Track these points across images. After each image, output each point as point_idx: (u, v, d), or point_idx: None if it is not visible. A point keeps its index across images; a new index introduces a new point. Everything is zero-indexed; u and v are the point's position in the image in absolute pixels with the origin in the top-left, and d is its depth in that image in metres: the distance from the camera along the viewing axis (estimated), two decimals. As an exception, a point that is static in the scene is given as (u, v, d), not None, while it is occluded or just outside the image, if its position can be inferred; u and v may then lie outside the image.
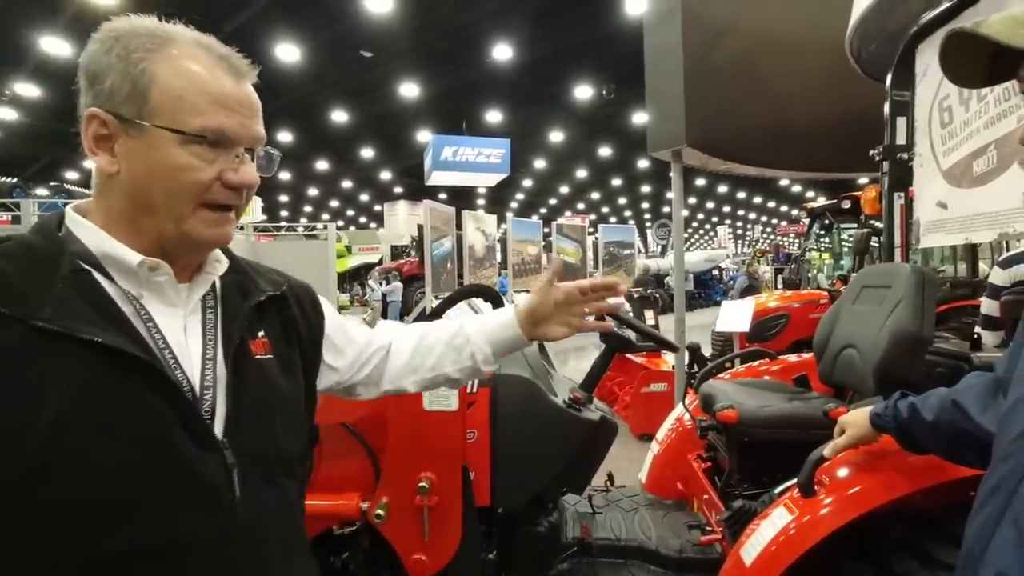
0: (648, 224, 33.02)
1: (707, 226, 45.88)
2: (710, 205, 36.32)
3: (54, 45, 10.69)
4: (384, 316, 13.62)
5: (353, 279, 21.91)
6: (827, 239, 8.01)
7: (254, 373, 0.75)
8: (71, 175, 20.48)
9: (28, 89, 12.80)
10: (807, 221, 7.72)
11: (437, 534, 1.46)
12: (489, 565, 1.63)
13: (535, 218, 18.03)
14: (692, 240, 51.11)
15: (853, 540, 1.33)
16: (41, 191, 10.20)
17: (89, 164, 0.70)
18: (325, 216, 32.81)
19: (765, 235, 41.65)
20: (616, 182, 27.23)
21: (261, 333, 0.79)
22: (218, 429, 0.69)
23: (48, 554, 0.59)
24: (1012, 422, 0.70)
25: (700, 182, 26.24)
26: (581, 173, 24.62)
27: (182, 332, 0.71)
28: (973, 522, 0.72)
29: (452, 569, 1.48)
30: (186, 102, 0.66)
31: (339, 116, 15.79)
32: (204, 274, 0.76)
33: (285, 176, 22.82)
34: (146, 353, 0.64)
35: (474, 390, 1.57)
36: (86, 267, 0.65)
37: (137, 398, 0.63)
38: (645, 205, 35.48)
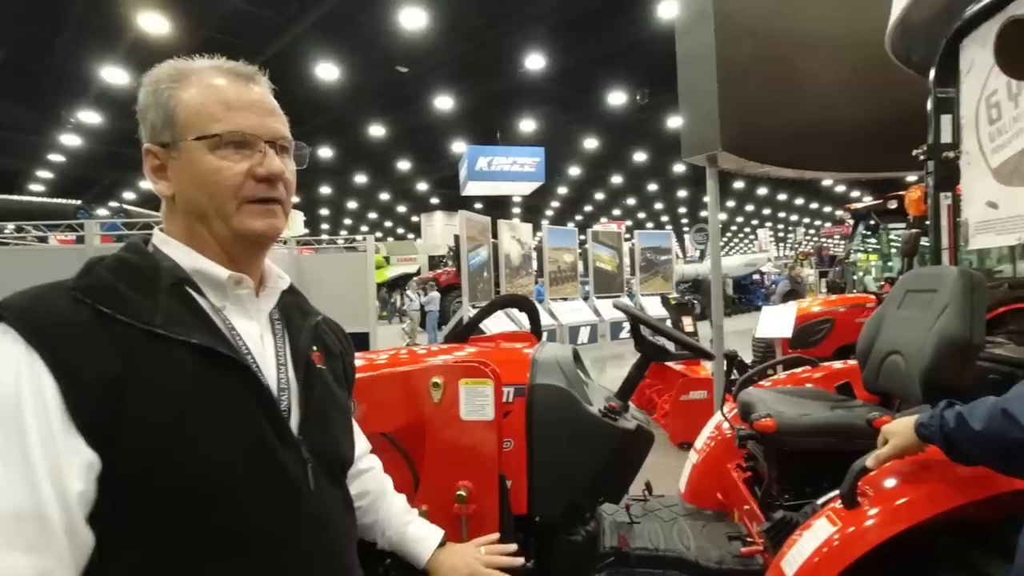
0: (686, 229, 32.48)
1: (746, 229, 44.79)
2: (749, 208, 35.46)
3: (113, 75, 11.37)
4: (422, 326, 13.81)
5: (392, 289, 22.34)
6: (874, 240, 7.73)
7: (318, 382, 0.84)
8: (128, 195, 21.63)
9: (90, 116, 13.64)
10: (852, 222, 7.48)
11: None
12: (527, 574, 1.64)
13: (570, 225, 18.03)
14: (731, 244, 49.96)
15: (898, 553, 1.29)
16: (102, 211, 10.81)
17: (148, 185, 0.79)
18: (364, 228, 33.57)
19: (808, 237, 40.39)
20: (652, 187, 26.91)
21: (315, 348, 0.88)
22: (293, 428, 0.77)
23: (157, 540, 0.64)
24: None
25: (738, 185, 25.67)
26: (616, 179, 24.45)
27: (259, 340, 0.79)
28: None
29: (489, 577, 1.50)
30: (206, 113, 0.74)
31: (376, 130, 16.17)
32: (270, 288, 0.84)
33: (326, 190, 23.50)
34: (240, 357, 0.72)
35: (510, 399, 1.59)
36: (180, 281, 0.73)
37: (234, 396, 0.70)
38: (682, 210, 34.90)
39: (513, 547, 1.19)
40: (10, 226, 8.16)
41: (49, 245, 8.05)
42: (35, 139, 14.95)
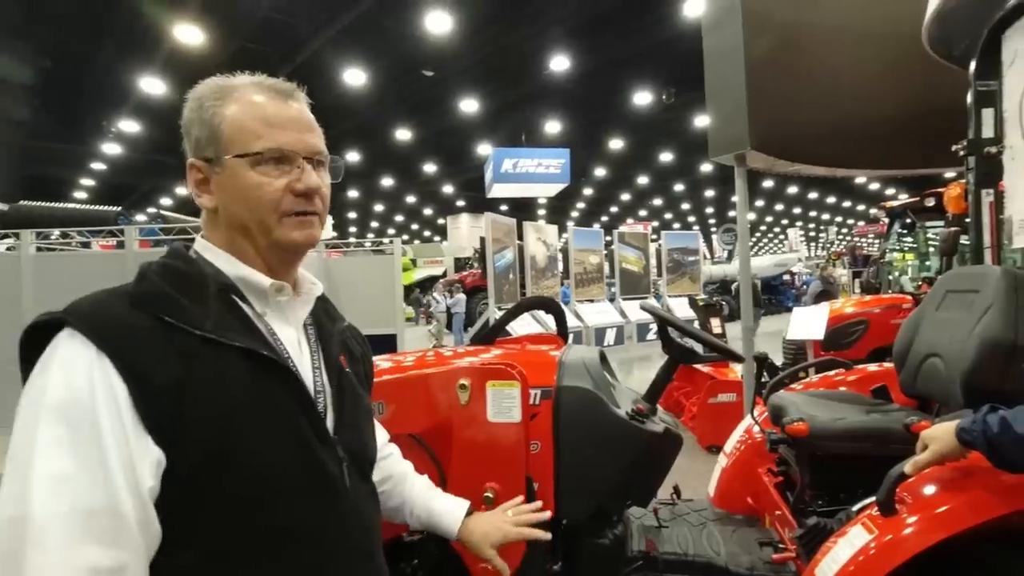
0: (713, 229, 31.97)
1: (776, 229, 43.87)
2: (779, 207, 34.72)
3: (151, 85, 11.77)
4: (448, 328, 13.90)
5: (419, 291, 22.54)
6: (911, 239, 7.50)
7: (348, 385, 0.88)
8: (166, 201, 22.33)
9: (129, 125, 14.15)
10: (887, 221, 7.26)
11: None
12: (554, 576, 1.64)
13: (596, 227, 17.93)
14: (761, 244, 48.99)
15: (937, 563, 1.25)
16: (140, 217, 11.21)
17: (184, 192, 0.81)
18: (391, 231, 33.98)
19: (840, 237, 39.34)
20: (679, 187, 26.59)
21: (342, 353, 0.91)
22: (328, 429, 0.80)
23: (211, 535, 0.68)
24: None
25: (768, 184, 25.18)
26: (642, 180, 24.23)
27: (297, 346, 0.82)
28: None
29: (518, 578, 1.50)
30: (247, 130, 0.77)
31: (403, 134, 16.37)
32: (304, 295, 0.87)
33: (353, 194, 23.86)
34: (283, 361, 0.75)
35: (537, 402, 1.59)
36: (225, 288, 0.76)
37: (279, 399, 0.74)
38: (709, 210, 34.39)
39: (539, 504, 1.23)
40: (55, 233, 8.52)
41: (92, 251, 8.37)
42: (78, 148, 15.59)
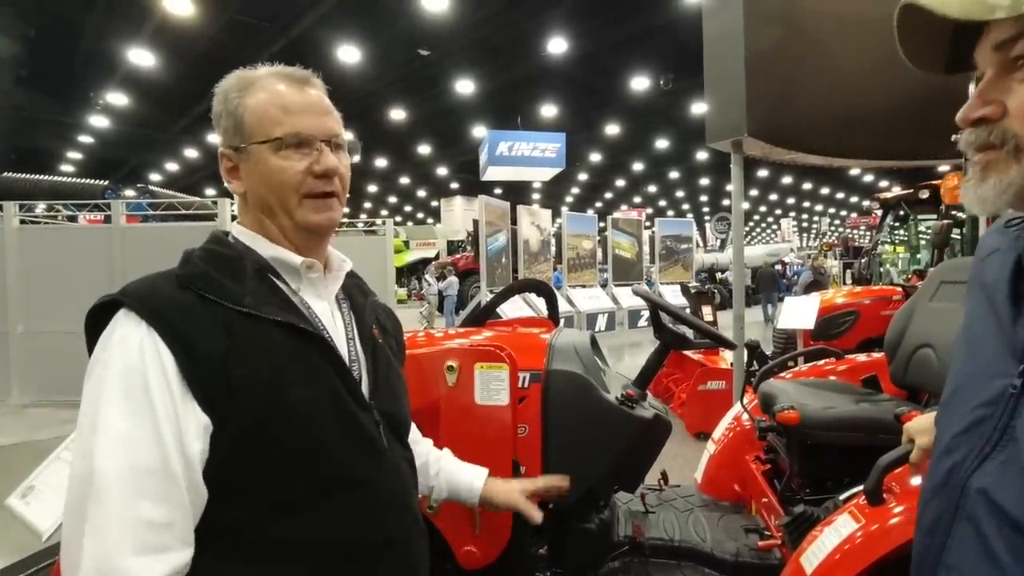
0: (707, 218, 32.01)
1: (769, 219, 44.00)
2: (773, 197, 34.81)
3: (140, 56, 11.50)
4: (440, 311, 13.87)
5: (411, 274, 22.46)
6: (903, 231, 7.53)
7: (382, 354, 0.94)
8: (155, 177, 22.00)
9: (118, 98, 13.84)
10: (880, 212, 7.27)
11: (488, 527, 1.47)
12: (540, 560, 1.64)
13: (590, 212, 17.87)
14: (754, 234, 49.16)
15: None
16: (129, 192, 11.01)
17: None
18: (384, 212, 33.73)
19: (833, 228, 39.55)
20: (674, 175, 26.54)
21: (374, 325, 0.97)
22: (365, 393, 0.87)
23: (260, 492, 0.74)
24: (956, 413, 0.65)
25: (763, 173, 25.16)
26: (638, 166, 24.14)
27: (331, 317, 0.89)
28: (922, 520, 0.68)
29: (502, 562, 1.49)
30: (268, 117, 0.83)
31: (397, 114, 16.16)
32: (335, 271, 0.93)
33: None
34: (318, 332, 0.82)
35: (526, 385, 1.58)
36: (261, 268, 0.83)
37: (317, 366, 0.80)
38: (704, 198, 34.42)
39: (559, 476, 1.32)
40: (41, 206, 8.35)
41: (78, 225, 8.23)
42: (65, 120, 15.26)
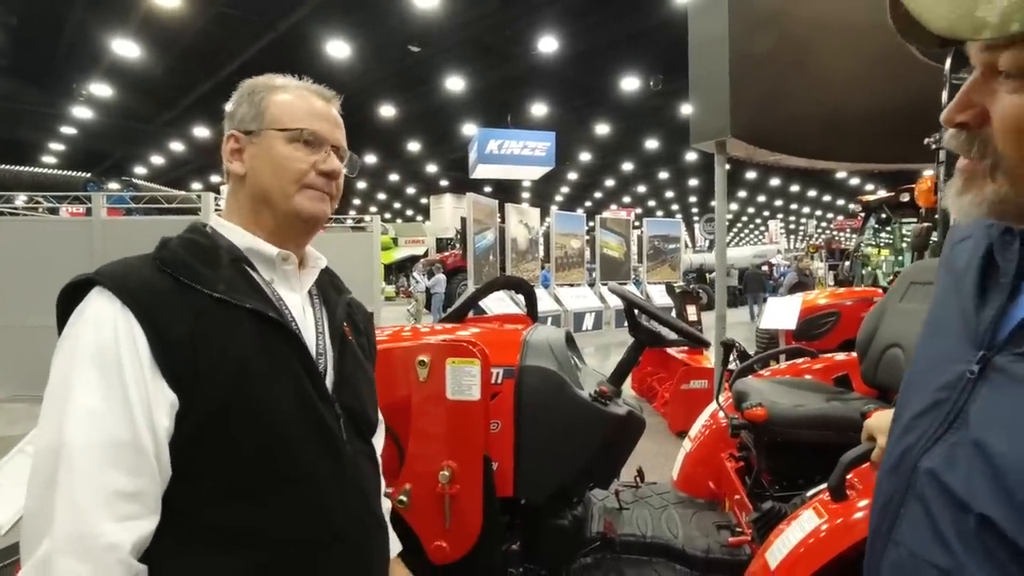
0: (696, 219, 32.19)
1: (757, 220, 44.35)
2: (761, 199, 35.06)
3: (125, 47, 11.33)
4: (428, 308, 13.83)
5: (400, 271, 22.36)
6: (888, 234, 7.62)
7: (349, 351, 0.96)
8: (139, 170, 21.70)
9: (101, 89, 13.62)
10: (863, 215, 7.36)
11: (458, 522, 1.47)
12: (512, 555, 1.64)
13: (580, 212, 17.89)
14: (742, 235, 49.52)
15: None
16: (113, 185, 10.86)
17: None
18: (373, 208, 33.55)
19: (820, 230, 39.95)
20: (663, 175, 26.64)
21: (345, 323, 0.99)
22: (328, 387, 0.88)
23: (222, 473, 0.75)
24: (916, 394, 0.66)
25: (751, 175, 25.34)
26: (627, 166, 24.20)
27: (301, 310, 0.91)
28: (877, 499, 0.69)
29: (473, 557, 1.49)
30: (293, 113, 0.89)
31: (387, 110, 16.06)
32: (310, 267, 0.96)
33: (335, 170, 23.41)
34: (286, 322, 0.84)
35: (499, 381, 1.58)
36: (236, 258, 0.85)
37: (283, 355, 0.82)
38: (693, 199, 34.57)
39: None
40: (21, 199, 8.21)
41: (59, 217, 8.10)
42: (48, 111, 14.99)
